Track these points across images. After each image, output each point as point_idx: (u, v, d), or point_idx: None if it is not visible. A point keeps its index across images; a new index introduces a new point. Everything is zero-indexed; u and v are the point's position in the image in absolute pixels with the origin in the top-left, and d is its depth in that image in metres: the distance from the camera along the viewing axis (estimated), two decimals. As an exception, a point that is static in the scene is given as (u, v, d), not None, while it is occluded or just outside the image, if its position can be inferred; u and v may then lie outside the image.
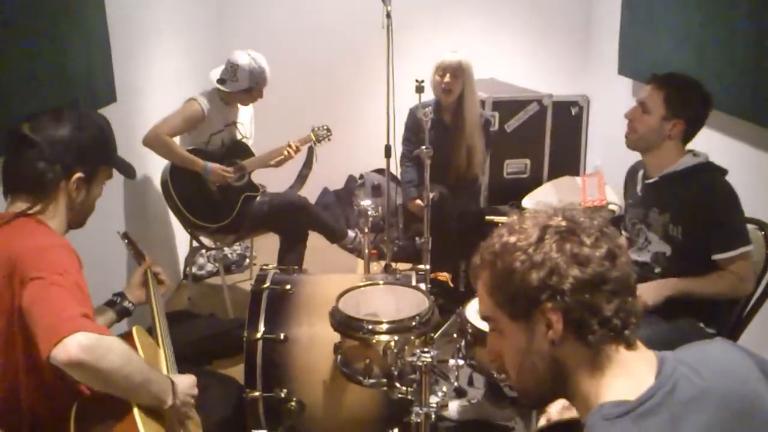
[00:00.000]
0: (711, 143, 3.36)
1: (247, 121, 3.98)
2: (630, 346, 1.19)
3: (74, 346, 1.47)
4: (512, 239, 1.21)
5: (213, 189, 3.74)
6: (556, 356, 1.19)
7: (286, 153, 3.90)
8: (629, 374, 1.16)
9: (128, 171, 2.07)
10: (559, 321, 1.16)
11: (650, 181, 2.57)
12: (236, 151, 3.87)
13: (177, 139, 3.67)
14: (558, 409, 1.53)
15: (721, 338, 1.33)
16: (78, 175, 1.83)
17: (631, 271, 1.20)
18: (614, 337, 1.17)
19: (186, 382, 1.82)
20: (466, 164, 3.90)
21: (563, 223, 1.20)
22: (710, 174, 2.49)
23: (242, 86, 3.71)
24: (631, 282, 1.20)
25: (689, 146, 2.55)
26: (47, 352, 1.47)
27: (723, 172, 2.50)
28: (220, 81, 3.74)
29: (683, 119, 2.47)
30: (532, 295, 1.17)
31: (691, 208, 2.43)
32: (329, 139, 4.05)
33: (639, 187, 2.65)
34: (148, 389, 1.65)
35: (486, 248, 1.26)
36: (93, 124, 1.92)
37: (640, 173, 2.66)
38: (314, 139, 4.01)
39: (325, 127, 4.04)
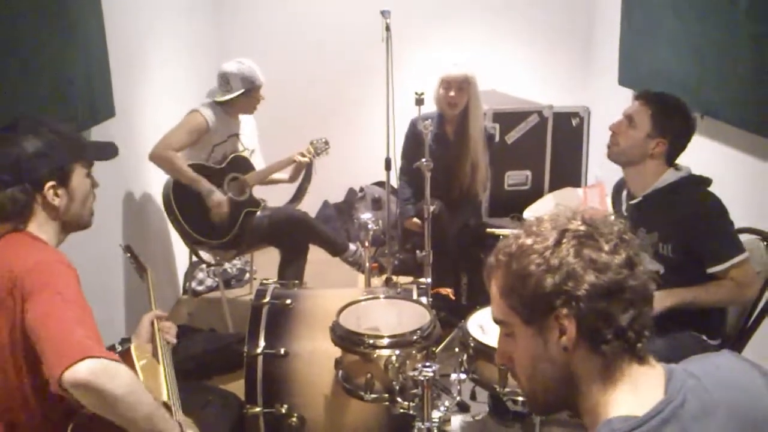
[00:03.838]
0: (712, 153, 3.37)
1: (248, 132, 3.97)
2: (641, 360, 1.16)
3: (83, 370, 1.49)
4: (529, 241, 1.18)
5: None
6: (568, 364, 1.17)
7: (296, 160, 3.89)
8: (639, 389, 1.14)
9: (107, 153, 2.00)
10: (573, 328, 1.14)
11: (634, 201, 2.54)
12: (237, 166, 3.86)
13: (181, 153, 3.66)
14: None
15: (727, 350, 1.31)
16: (50, 183, 1.79)
17: (648, 280, 1.17)
18: (627, 350, 1.15)
19: None
20: (470, 179, 3.86)
21: (582, 228, 1.17)
22: (694, 187, 2.46)
23: (238, 91, 3.70)
24: (648, 292, 1.17)
25: (689, 158, 2.53)
26: (58, 375, 1.49)
27: (707, 182, 2.48)
28: (218, 94, 3.75)
29: (667, 139, 2.45)
30: (546, 300, 1.14)
31: (679, 224, 2.40)
32: (327, 152, 4.04)
33: (624, 207, 2.63)
34: (152, 423, 1.63)
35: (502, 249, 1.23)
36: (42, 129, 1.82)
37: (624, 193, 2.64)
38: (313, 152, 4.00)
39: (323, 140, 4.03)
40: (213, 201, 3.66)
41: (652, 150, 2.45)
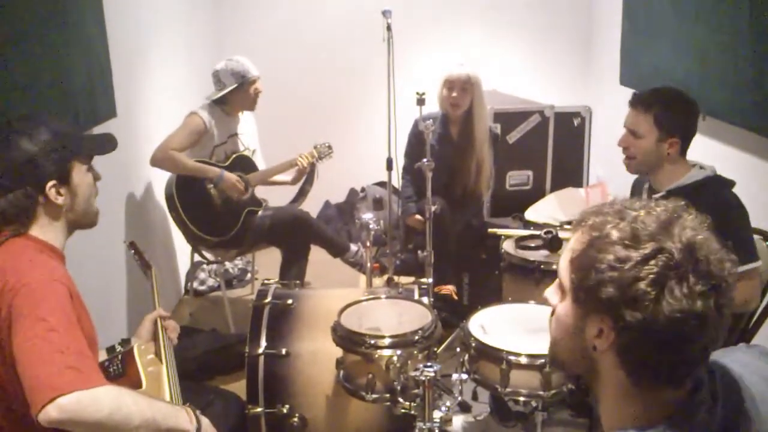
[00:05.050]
0: (714, 153, 3.36)
1: (248, 132, 3.98)
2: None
3: (54, 411, 1.47)
4: (618, 235, 1.06)
5: (217, 202, 3.73)
6: (595, 359, 1.12)
7: (298, 164, 3.90)
8: (663, 399, 1.09)
9: (105, 147, 1.97)
10: (610, 340, 1.08)
11: (657, 196, 2.53)
12: (240, 165, 3.86)
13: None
14: None
15: (744, 345, 1.30)
16: (51, 183, 1.76)
17: (719, 336, 1.06)
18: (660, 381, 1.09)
19: (209, 423, 1.81)
20: (474, 179, 3.85)
21: (678, 255, 1.03)
22: (718, 188, 2.46)
23: (231, 85, 3.71)
24: (713, 345, 1.07)
25: (695, 158, 2.53)
26: (34, 416, 1.49)
27: (730, 184, 2.47)
28: (214, 94, 3.75)
29: (677, 136, 2.45)
30: (598, 304, 1.07)
31: None
32: (331, 156, 4.05)
33: None
34: (154, 425, 1.61)
35: (595, 215, 1.13)
36: (37, 129, 1.78)
37: (646, 186, 2.64)
38: (316, 155, 4.00)
39: (326, 145, 4.03)
40: (226, 182, 3.68)
41: (667, 150, 2.45)
